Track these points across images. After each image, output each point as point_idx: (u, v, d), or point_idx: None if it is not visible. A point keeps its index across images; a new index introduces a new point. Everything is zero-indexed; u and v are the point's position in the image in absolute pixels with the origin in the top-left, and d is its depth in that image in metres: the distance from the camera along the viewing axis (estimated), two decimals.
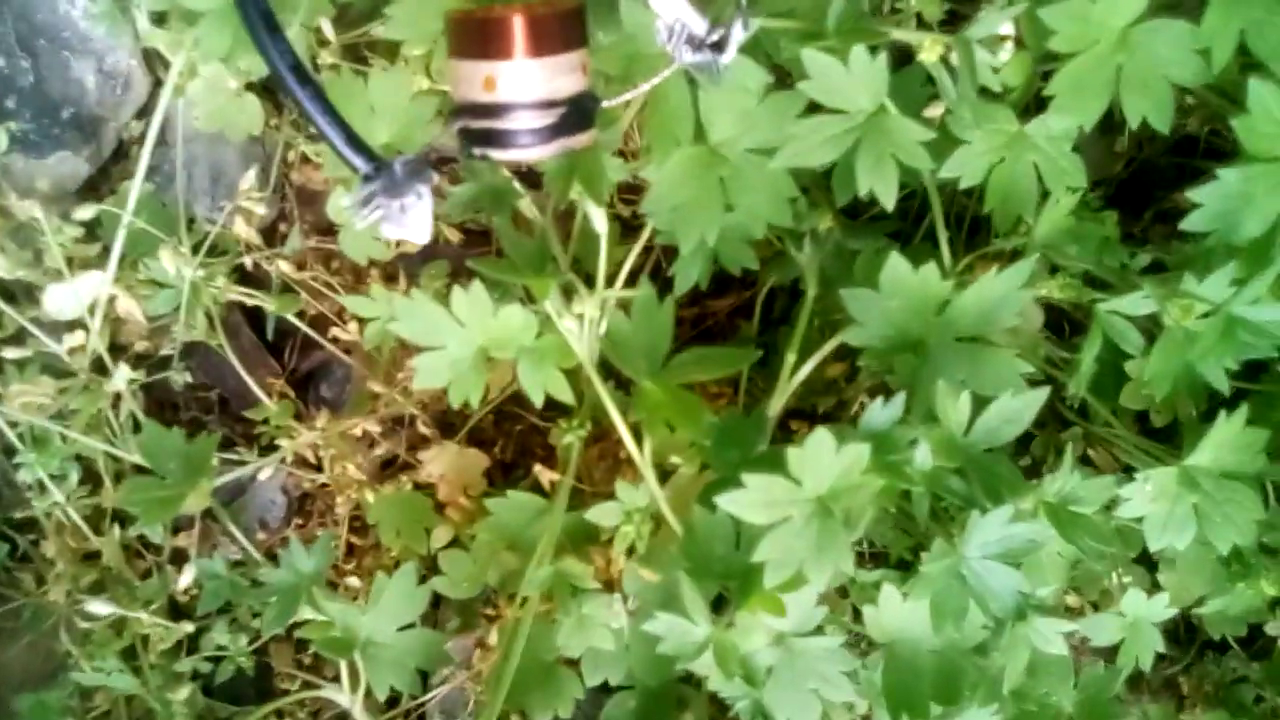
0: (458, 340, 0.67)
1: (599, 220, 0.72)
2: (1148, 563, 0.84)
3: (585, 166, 0.68)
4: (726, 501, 0.59)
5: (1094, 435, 0.85)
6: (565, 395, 0.69)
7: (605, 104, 0.60)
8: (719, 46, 0.57)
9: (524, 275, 0.64)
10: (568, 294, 0.69)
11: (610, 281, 0.72)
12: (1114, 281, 0.74)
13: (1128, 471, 0.85)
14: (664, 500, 0.71)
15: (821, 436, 0.58)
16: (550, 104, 0.57)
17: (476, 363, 0.67)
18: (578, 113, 0.58)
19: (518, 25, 0.55)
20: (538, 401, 0.69)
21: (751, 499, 0.59)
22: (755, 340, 0.95)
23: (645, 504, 0.71)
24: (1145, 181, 0.96)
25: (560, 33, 0.57)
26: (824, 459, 0.58)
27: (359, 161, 0.56)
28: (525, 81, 0.56)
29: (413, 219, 0.57)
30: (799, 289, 0.93)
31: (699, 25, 0.56)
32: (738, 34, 0.56)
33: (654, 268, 0.98)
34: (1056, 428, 0.89)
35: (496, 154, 0.58)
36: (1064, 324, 0.90)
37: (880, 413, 0.62)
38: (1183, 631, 0.93)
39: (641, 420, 0.67)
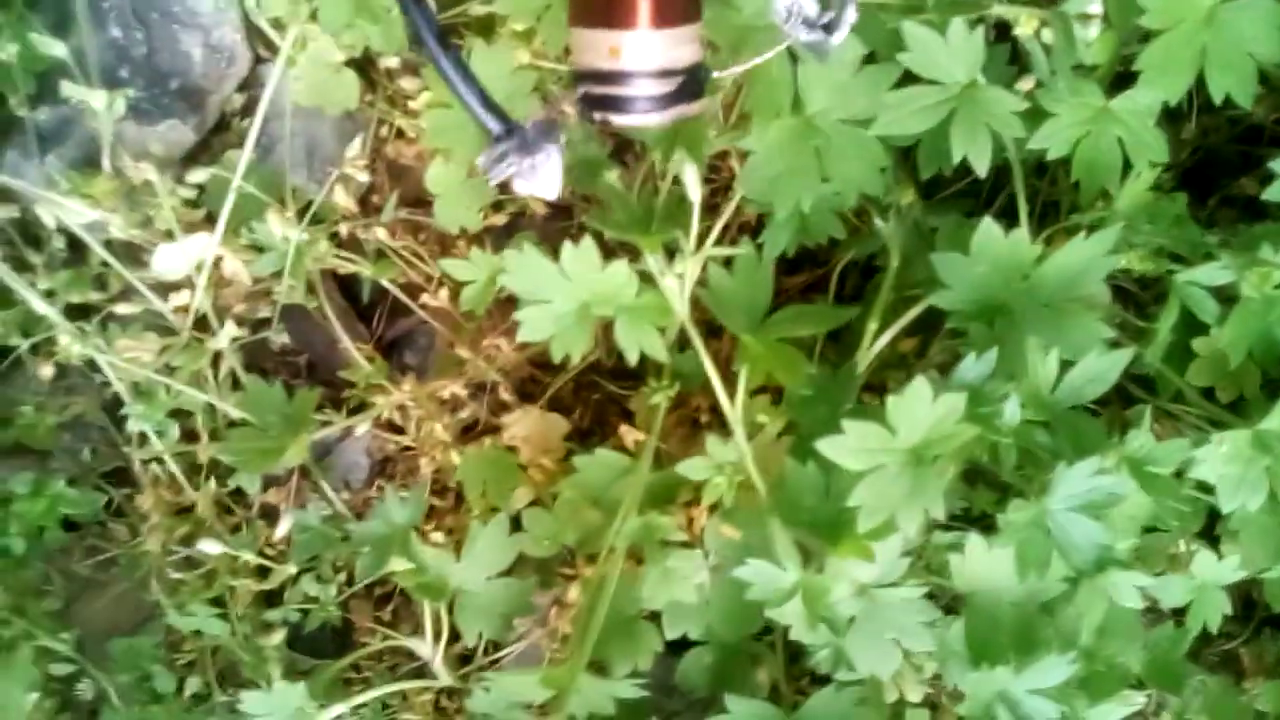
0: (563, 295, 0.70)
1: (693, 186, 0.76)
2: (1210, 537, 0.86)
3: (687, 132, 0.72)
4: (825, 446, 0.62)
5: (1160, 410, 0.87)
6: (660, 353, 0.72)
7: (716, 74, 0.64)
8: (829, 28, 0.60)
9: (632, 231, 0.68)
10: (669, 253, 0.72)
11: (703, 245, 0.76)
12: (1188, 255, 0.77)
13: None
14: (751, 457, 0.74)
15: (920, 385, 0.60)
16: (669, 73, 0.60)
17: (580, 318, 0.71)
18: (693, 82, 0.61)
19: None
20: (632, 359, 0.73)
21: (849, 445, 0.62)
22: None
23: (735, 458, 0.74)
24: (1210, 169, 0.99)
25: (681, 5, 0.60)
26: (920, 408, 0.61)
27: (493, 122, 0.60)
28: (647, 50, 0.60)
29: (543, 175, 0.61)
30: (873, 266, 0.96)
31: (812, 6, 0.59)
32: (850, 16, 0.60)
33: (732, 241, 1.02)
34: (1121, 405, 0.92)
35: (616, 119, 0.62)
36: (1128, 304, 0.93)
37: (972, 368, 0.65)
38: (1241, 607, 0.95)
39: (743, 370, 0.70)
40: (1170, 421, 0.89)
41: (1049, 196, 0.90)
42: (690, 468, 0.75)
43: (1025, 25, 0.65)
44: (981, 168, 0.67)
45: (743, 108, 0.73)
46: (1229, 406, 0.86)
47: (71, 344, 0.85)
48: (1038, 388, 0.65)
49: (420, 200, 1.00)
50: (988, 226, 0.67)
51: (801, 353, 0.68)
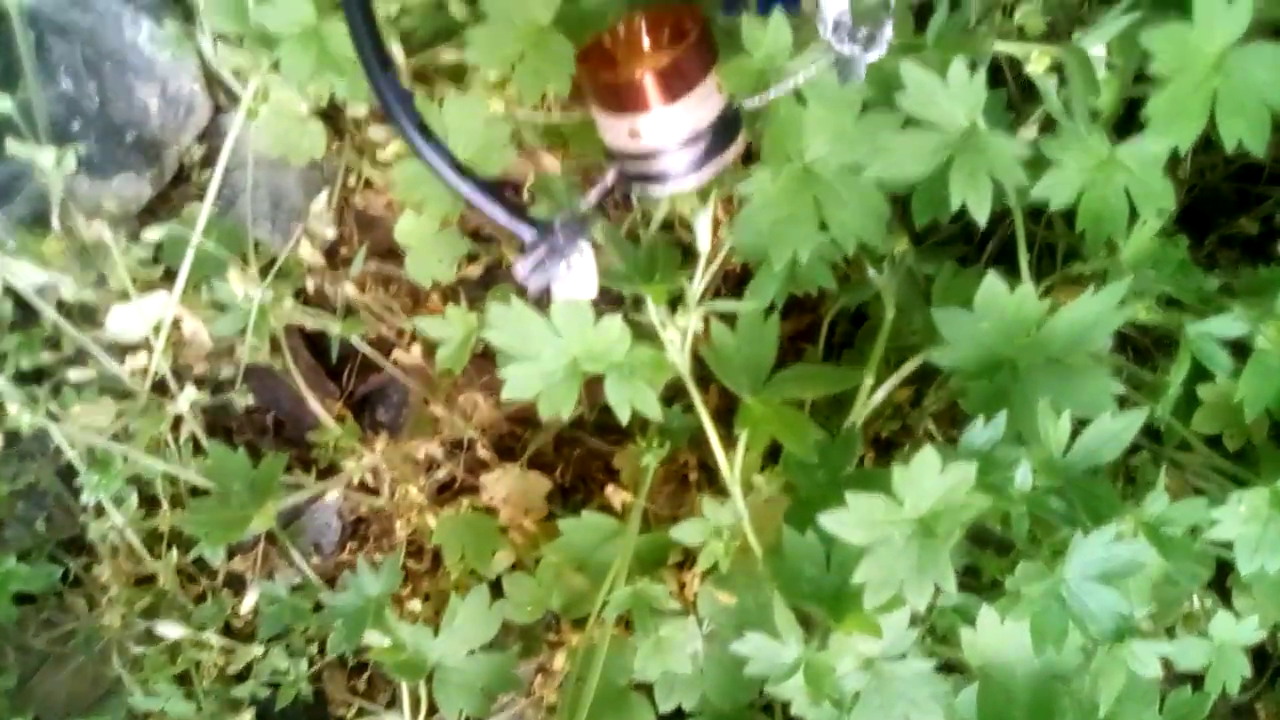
0: (552, 350, 0.66)
1: (704, 234, 0.72)
2: (1221, 587, 0.83)
3: None
4: (829, 521, 0.59)
5: (1168, 459, 0.84)
6: (654, 412, 0.68)
7: (747, 105, 0.61)
8: (868, 43, 0.57)
9: (635, 281, 0.64)
10: (670, 305, 0.69)
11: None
12: (1195, 304, 0.74)
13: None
14: (748, 519, 0.70)
15: (928, 456, 0.57)
16: (696, 136, 0.58)
17: (569, 375, 0.67)
18: (724, 130, 0.59)
19: (648, 82, 0.57)
20: (624, 417, 0.69)
21: (852, 519, 0.59)
22: (820, 363, 0.94)
23: (732, 522, 0.70)
24: (1207, 208, 0.96)
25: (689, 71, 0.58)
26: (928, 478, 0.58)
27: (524, 230, 0.57)
28: (667, 127, 0.59)
29: (578, 275, 0.58)
30: (862, 314, 0.93)
31: (849, 20, 0.57)
32: (887, 33, 0.57)
33: (718, 293, 0.99)
34: (1126, 451, 0.89)
35: (657, 190, 0.60)
36: (1130, 351, 0.90)
37: (981, 433, 0.61)
38: (1254, 658, 0.92)
39: (744, 435, 0.66)
40: (1177, 470, 0.86)
41: (1045, 239, 0.88)
42: (685, 532, 0.71)
43: (1037, 63, 0.62)
44: (981, 216, 0.64)
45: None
46: (1237, 454, 0.83)
47: (22, 413, 0.79)
48: (1049, 452, 0.62)
49: (391, 251, 0.96)
50: (992, 283, 0.64)
51: (806, 417, 0.64)
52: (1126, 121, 0.71)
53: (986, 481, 0.60)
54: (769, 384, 0.66)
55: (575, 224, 0.58)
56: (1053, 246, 0.88)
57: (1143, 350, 0.88)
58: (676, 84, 0.58)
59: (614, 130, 0.59)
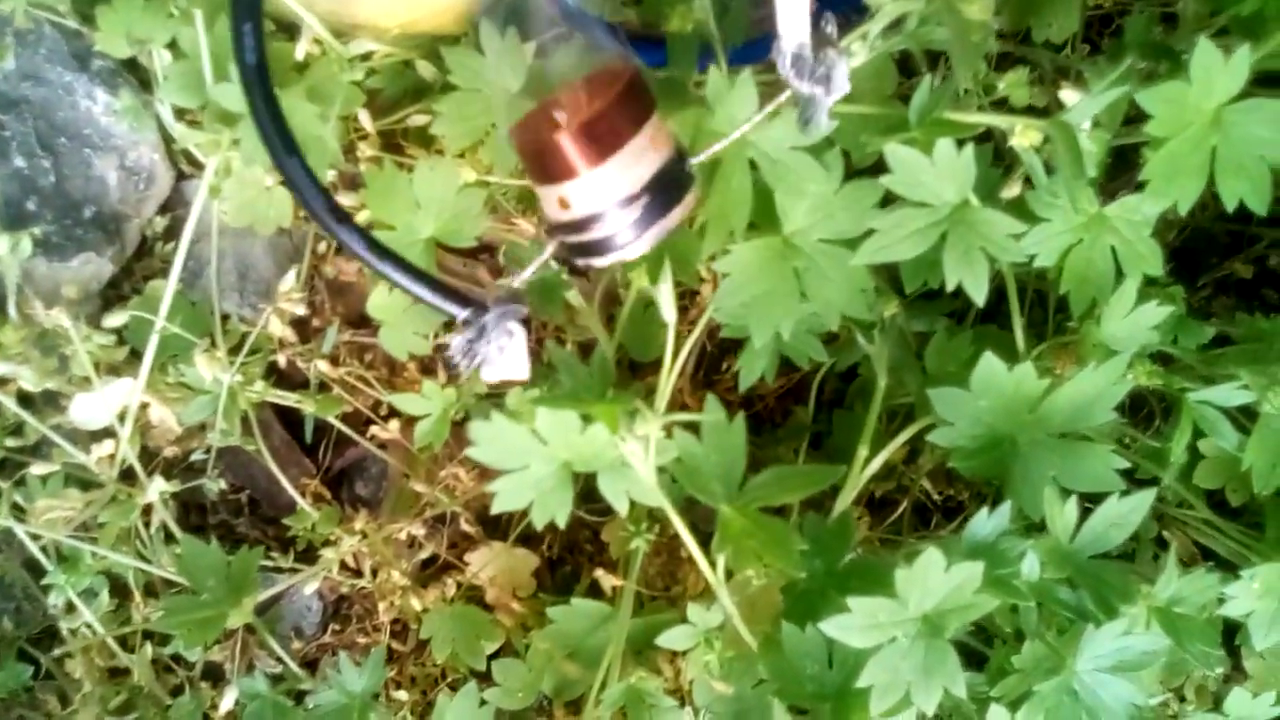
0: (540, 458, 0.63)
1: (668, 308, 0.69)
2: (1229, 646, 0.81)
3: (677, 247, 0.66)
4: (830, 628, 0.56)
5: (1169, 516, 0.82)
6: (653, 500, 0.65)
7: (694, 159, 0.58)
8: (826, 84, 0.54)
9: (588, 404, 0.61)
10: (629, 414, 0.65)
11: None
12: (1196, 365, 0.72)
13: (1205, 554, 0.83)
14: (738, 617, 0.67)
15: (931, 556, 0.54)
16: (633, 197, 0.54)
17: (561, 479, 0.64)
18: (665, 189, 0.55)
19: (566, 144, 0.53)
20: (621, 510, 0.66)
21: (855, 622, 0.56)
22: (809, 425, 0.92)
23: (720, 623, 0.67)
24: (1199, 249, 0.94)
25: (615, 127, 0.54)
26: (933, 578, 0.55)
27: (455, 308, 0.54)
28: (597, 191, 0.54)
29: (510, 358, 0.55)
30: (853, 371, 0.90)
31: (810, 56, 0.54)
32: (843, 71, 0.54)
33: (699, 352, 0.96)
34: None
35: (599, 262, 0.56)
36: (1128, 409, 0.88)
37: (986, 523, 0.59)
38: None
39: (723, 555, 0.62)
40: (1179, 526, 0.84)
41: (1036, 285, 0.85)
42: (673, 638, 0.68)
43: (1023, 137, 0.59)
44: (979, 295, 0.61)
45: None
46: (1239, 509, 0.81)
47: None
48: (1057, 539, 0.59)
49: (365, 319, 0.93)
50: (989, 362, 0.61)
51: (788, 527, 0.61)
52: (1113, 166, 0.69)
53: (993, 576, 0.57)
54: (744, 490, 0.62)
55: (508, 304, 0.55)
56: (1043, 294, 0.85)
57: (1143, 403, 0.85)
58: (601, 142, 0.53)
59: (547, 201, 0.55)
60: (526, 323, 0.57)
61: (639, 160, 0.55)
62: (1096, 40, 0.93)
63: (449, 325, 0.80)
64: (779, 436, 0.92)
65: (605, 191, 0.54)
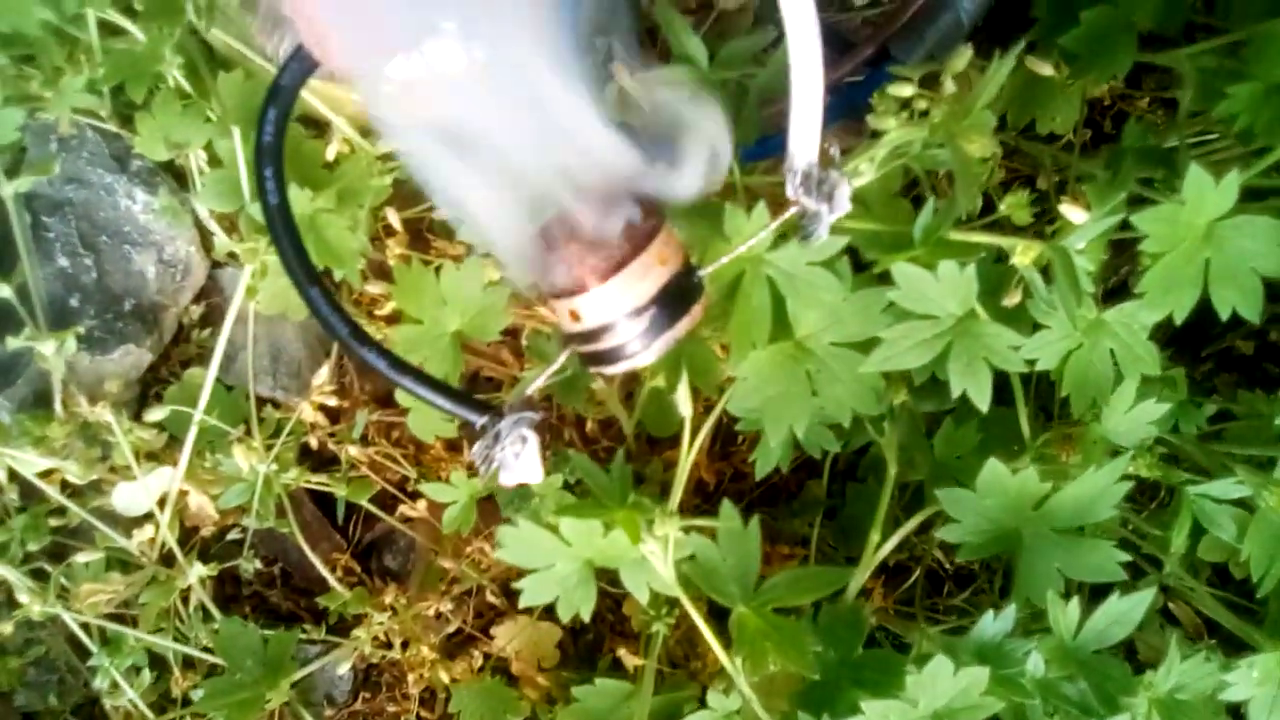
0: (565, 558, 0.66)
1: (685, 405, 0.72)
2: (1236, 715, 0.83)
3: (696, 360, 0.69)
4: None
5: (1174, 590, 0.84)
6: (674, 591, 0.68)
7: (703, 271, 0.61)
8: (830, 201, 0.57)
9: (609, 513, 0.64)
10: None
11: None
12: (1195, 454, 0.74)
13: (1210, 628, 0.85)
14: (756, 703, 0.70)
15: (940, 663, 0.57)
16: (640, 309, 0.57)
17: (584, 576, 0.67)
18: (673, 301, 0.57)
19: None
20: (643, 600, 0.69)
21: None
22: (824, 499, 0.94)
23: (737, 707, 0.70)
24: (1203, 322, 0.96)
25: (625, 245, 0.56)
26: (941, 681, 0.58)
27: (472, 416, 0.57)
28: (605, 305, 0.57)
29: (524, 463, 0.58)
30: (867, 445, 0.93)
31: (816, 174, 0.57)
32: (845, 190, 0.57)
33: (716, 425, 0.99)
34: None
35: (610, 370, 0.59)
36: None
37: (991, 625, 0.61)
38: None
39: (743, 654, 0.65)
40: (1183, 599, 0.86)
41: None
42: None
43: (1023, 256, 0.62)
44: (983, 403, 0.64)
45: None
46: (1242, 583, 0.83)
47: (32, 603, 0.80)
48: (1060, 638, 0.62)
49: (392, 398, 0.96)
50: (993, 466, 0.64)
51: (801, 629, 0.64)
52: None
53: (999, 675, 0.60)
54: (759, 592, 0.65)
55: (521, 411, 0.57)
56: (1049, 378, 0.88)
57: (1148, 487, 0.88)
58: (609, 260, 0.55)
59: (560, 314, 0.58)
60: (544, 428, 0.60)
61: (646, 275, 0.57)
62: (1100, 121, 0.96)
63: (464, 426, 0.84)
64: (794, 509, 0.95)
65: (613, 304, 0.57)
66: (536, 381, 0.63)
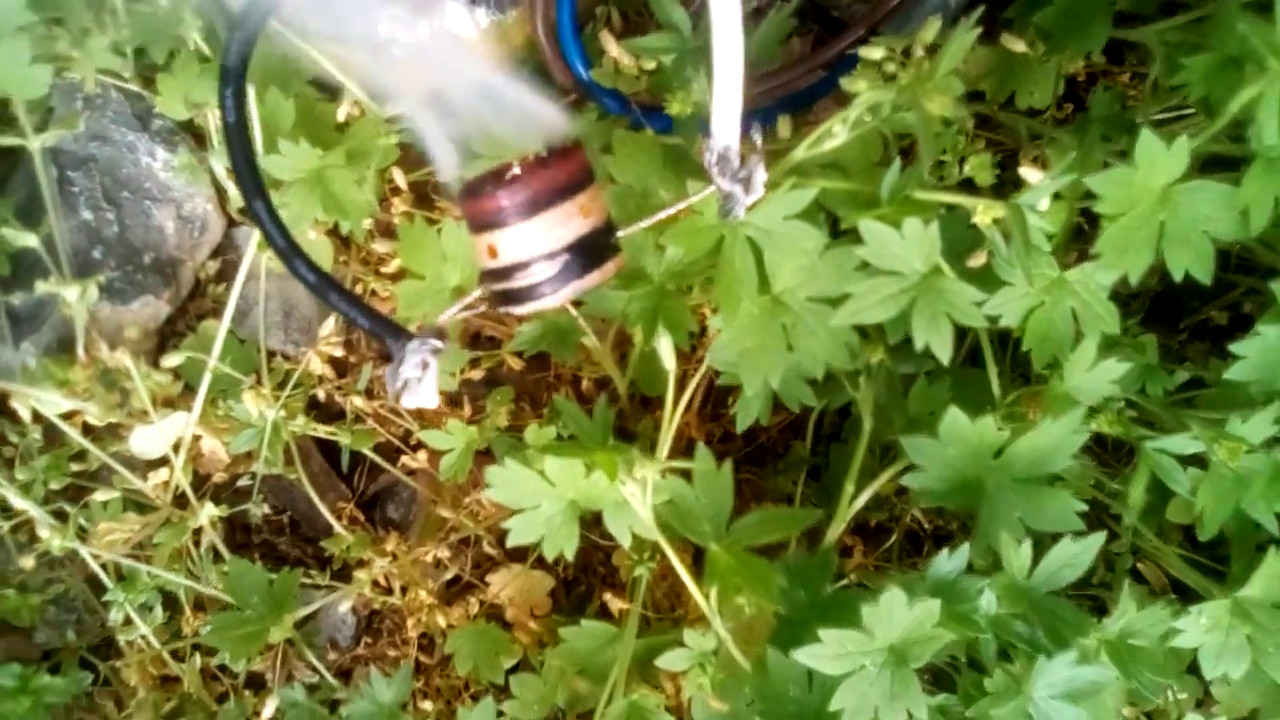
0: (550, 499, 0.70)
1: (668, 358, 0.76)
2: (1199, 672, 0.86)
3: (670, 312, 0.73)
4: (803, 655, 0.62)
5: (1143, 550, 0.87)
6: (653, 534, 0.72)
7: (620, 233, 0.64)
8: (746, 185, 0.61)
9: (591, 453, 0.68)
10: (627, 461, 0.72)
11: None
12: (1159, 414, 0.77)
13: (1177, 589, 0.88)
14: (732, 643, 0.74)
15: (894, 594, 0.61)
16: (553, 254, 0.60)
17: (568, 517, 0.71)
18: (587, 253, 0.61)
19: (502, 198, 0.59)
20: (625, 543, 0.73)
21: (826, 651, 0.62)
22: (808, 458, 0.98)
23: (713, 647, 0.74)
24: (1180, 292, 0.99)
25: (552, 190, 0.60)
26: (896, 614, 0.61)
27: (389, 337, 0.60)
28: (522, 243, 0.60)
29: (423, 388, 0.61)
30: (848, 408, 0.96)
31: (736, 158, 0.60)
32: (761, 176, 0.61)
33: (707, 386, 1.03)
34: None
35: (517, 309, 0.62)
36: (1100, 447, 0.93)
37: (946, 563, 0.65)
38: None
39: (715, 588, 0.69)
40: (1153, 559, 0.89)
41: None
42: (671, 660, 0.75)
43: (984, 215, 0.65)
44: (944, 355, 0.67)
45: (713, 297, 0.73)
46: (1209, 545, 0.86)
47: (53, 536, 0.84)
48: (1013, 577, 0.65)
49: None
50: (954, 415, 0.68)
51: (768, 566, 0.68)
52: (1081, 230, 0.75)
53: (953, 611, 0.63)
54: (730, 531, 0.69)
55: (427, 338, 0.61)
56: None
57: (1120, 445, 0.91)
58: (535, 201, 0.59)
59: (479, 250, 0.61)
60: (435, 360, 0.63)
61: (567, 221, 0.61)
62: (1082, 96, 0.99)
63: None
64: (779, 469, 0.99)
65: (529, 243, 0.60)
66: (449, 311, 0.66)
